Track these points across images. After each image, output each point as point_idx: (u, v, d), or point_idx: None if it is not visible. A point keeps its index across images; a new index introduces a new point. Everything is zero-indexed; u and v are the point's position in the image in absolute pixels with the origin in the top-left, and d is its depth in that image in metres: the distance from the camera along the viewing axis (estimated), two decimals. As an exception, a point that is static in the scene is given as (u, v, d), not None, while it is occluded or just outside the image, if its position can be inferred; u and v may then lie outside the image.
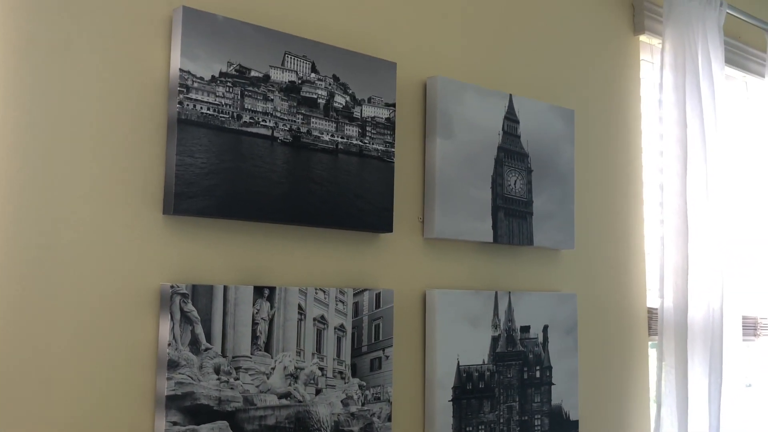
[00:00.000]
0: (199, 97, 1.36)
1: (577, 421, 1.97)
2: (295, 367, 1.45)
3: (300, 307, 1.47)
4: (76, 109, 1.27)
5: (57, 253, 1.24)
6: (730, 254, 2.36)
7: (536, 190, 1.92)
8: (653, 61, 2.41)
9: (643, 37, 2.34)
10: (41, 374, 1.21)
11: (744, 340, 2.53)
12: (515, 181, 1.88)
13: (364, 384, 1.55)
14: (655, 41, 2.37)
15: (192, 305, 1.33)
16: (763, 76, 2.71)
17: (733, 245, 2.40)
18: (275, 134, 1.46)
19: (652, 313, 2.28)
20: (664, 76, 2.24)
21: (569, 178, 2.00)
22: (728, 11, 2.45)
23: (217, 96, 1.39)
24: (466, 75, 1.86)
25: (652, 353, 2.28)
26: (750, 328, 2.66)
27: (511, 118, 1.88)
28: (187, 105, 1.35)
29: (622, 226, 2.22)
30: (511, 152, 1.87)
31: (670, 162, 2.22)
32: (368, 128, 1.60)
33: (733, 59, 2.61)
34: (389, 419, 1.58)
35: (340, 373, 1.51)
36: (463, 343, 1.73)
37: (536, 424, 1.87)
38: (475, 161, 1.79)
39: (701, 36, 2.30)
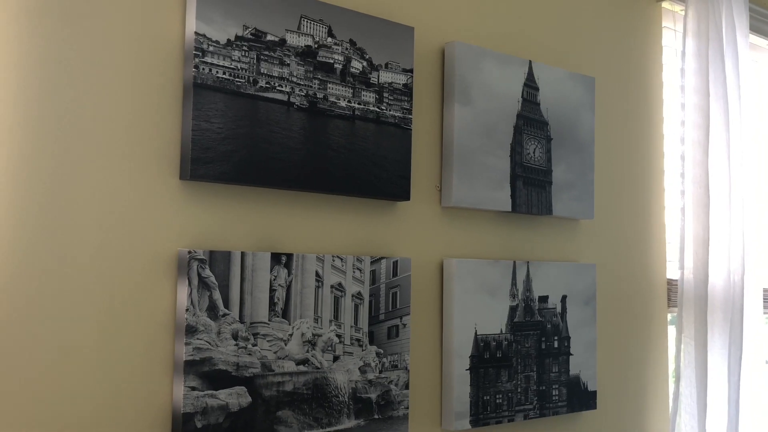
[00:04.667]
0: (215, 61, 1.35)
1: (595, 392, 1.96)
2: (312, 334, 1.44)
3: (317, 274, 1.46)
4: (90, 74, 1.26)
5: (73, 220, 1.23)
6: (751, 225, 2.32)
7: (555, 158, 1.89)
8: (676, 28, 2.36)
9: (665, 4, 2.29)
10: (59, 341, 1.21)
11: (765, 313, 2.50)
12: (534, 149, 1.85)
13: (382, 352, 1.54)
14: (678, 8, 2.32)
15: (210, 271, 1.33)
16: (788, 44, 2.64)
17: (755, 216, 2.36)
18: (291, 99, 1.44)
19: (671, 284, 2.26)
20: (687, 43, 2.19)
21: (589, 147, 1.97)
22: (754, -23, 2.39)
23: (233, 60, 1.37)
24: (485, 41, 1.83)
25: (671, 326, 2.26)
26: (771, 300, 2.62)
27: (530, 85, 1.85)
28: (203, 69, 1.33)
29: (642, 196, 2.19)
30: (530, 120, 1.84)
31: (692, 132, 2.18)
32: (385, 94, 1.58)
33: (758, 26, 2.55)
34: (407, 387, 1.58)
35: (358, 340, 1.51)
36: (481, 312, 1.72)
37: (554, 394, 1.86)
38: (494, 129, 1.77)
39: (725, 2, 2.25)
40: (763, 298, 2.44)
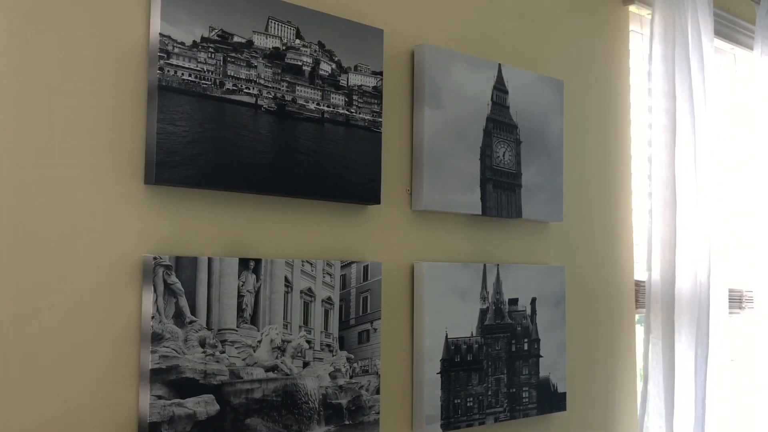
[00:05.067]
0: (181, 63, 1.32)
1: (564, 393, 1.97)
2: (282, 340, 1.42)
3: (287, 279, 1.44)
4: (52, 76, 1.22)
5: (36, 224, 1.20)
6: (717, 227, 2.36)
7: (525, 161, 1.90)
8: (642, 32, 2.39)
9: (632, 8, 2.31)
10: (22, 349, 1.17)
11: (730, 313, 2.54)
12: (504, 152, 1.85)
13: (352, 357, 1.53)
14: (645, 12, 2.35)
15: (176, 277, 1.30)
16: (751, 48, 2.69)
17: (721, 218, 2.39)
18: (259, 102, 1.42)
19: (639, 285, 2.28)
20: (653, 47, 2.21)
21: (558, 150, 1.98)
22: (718, -18, 2.42)
23: (198, 62, 1.34)
24: (455, 43, 1.83)
25: (639, 327, 2.28)
26: (736, 300, 2.67)
27: (500, 88, 1.85)
28: (168, 71, 1.31)
29: (610, 198, 2.20)
30: (500, 123, 1.84)
31: (659, 134, 2.21)
32: (355, 97, 1.56)
33: (723, 31, 2.59)
34: (377, 392, 1.57)
35: (328, 345, 1.49)
36: (452, 315, 1.72)
37: (524, 396, 1.87)
38: (464, 132, 1.76)
39: (691, 7, 2.28)
40: (729, 299, 2.48)
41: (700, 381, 2.22)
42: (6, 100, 1.18)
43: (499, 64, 1.85)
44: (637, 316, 2.28)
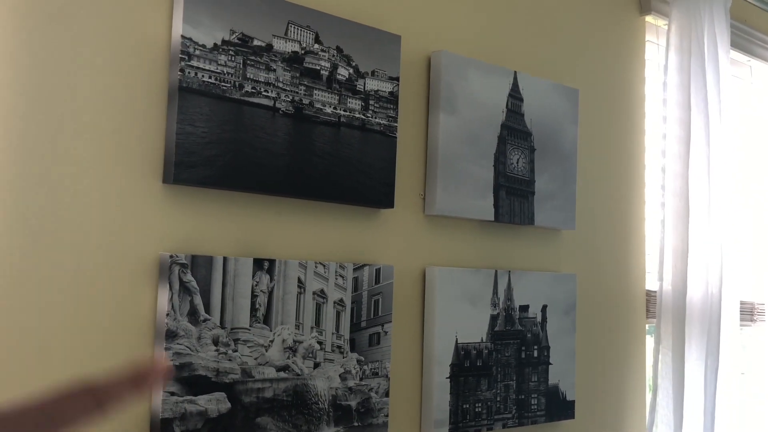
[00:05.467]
0: (201, 65, 1.34)
1: (573, 401, 1.97)
2: (293, 341, 1.44)
3: (300, 280, 1.46)
4: (75, 76, 1.25)
5: (55, 223, 1.22)
6: (730, 238, 2.35)
7: (538, 169, 1.91)
8: (659, 42, 2.39)
9: (649, 18, 2.32)
10: (38, 344, 1.20)
11: (741, 326, 2.53)
12: (518, 159, 1.86)
13: (363, 359, 1.54)
14: (661, 22, 2.35)
15: (191, 275, 1.32)
16: (768, 60, 2.69)
17: (734, 229, 2.39)
18: (277, 105, 1.44)
19: (650, 295, 2.28)
20: (669, 57, 2.22)
21: (572, 158, 1.99)
22: (735, -6, 2.42)
23: (219, 64, 1.37)
24: (472, 50, 1.84)
25: (649, 337, 2.28)
26: (747, 313, 2.66)
27: (515, 95, 1.86)
28: (189, 73, 1.33)
29: (623, 207, 2.21)
30: (514, 130, 1.85)
31: (673, 144, 2.21)
32: (371, 102, 1.58)
33: (739, 43, 2.59)
34: (387, 394, 1.58)
35: (339, 347, 1.51)
36: (462, 320, 1.73)
37: (533, 403, 1.87)
38: (478, 138, 1.78)
39: (707, 18, 2.28)
40: (740, 311, 2.48)
41: (710, 392, 2.22)
42: (29, 100, 1.21)
43: (515, 72, 1.86)
44: (647, 326, 2.28)
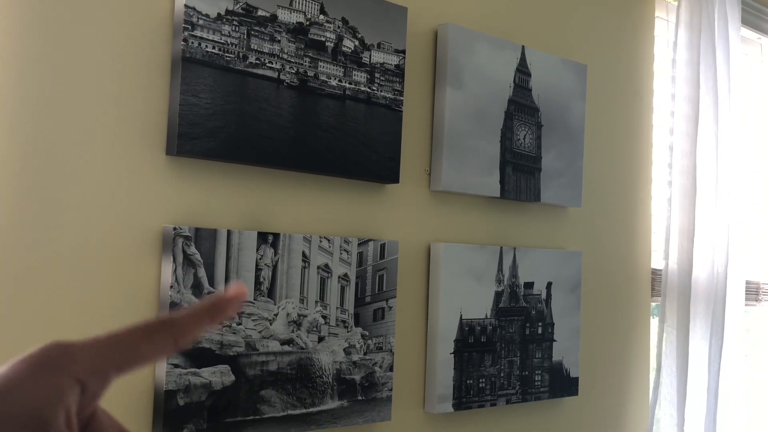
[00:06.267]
0: (205, 35, 1.33)
1: (577, 378, 1.97)
2: (298, 314, 1.43)
3: (304, 254, 1.45)
4: (76, 47, 1.23)
5: (58, 194, 1.21)
6: (737, 218, 2.34)
7: (545, 145, 1.89)
8: (668, 18, 2.36)
9: (659, -7, 2.29)
10: (43, 316, 1.19)
11: (746, 305, 2.52)
12: (525, 135, 1.84)
13: (367, 333, 1.54)
14: (671, -2, 2.32)
15: (195, 248, 1.32)
16: (778, 38, 2.65)
17: (741, 209, 2.37)
18: (281, 77, 1.42)
19: (655, 274, 2.27)
20: (679, 34, 2.19)
21: (579, 134, 1.97)
22: (747, -31, 2.38)
23: (222, 35, 1.35)
24: (479, 24, 1.82)
25: (654, 316, 2.27)
26: (753, 292, 2.65)
27: (523, 70, 1.84)
28: (192, 43, 1.31)
29: (630, 185, 2.19)
30: (521, 106, 1.83)
31: (681, 122, 2.19)
32: (377, 75, 1.56)
33: (750, 20, 2.55)
34: (391, 369, 1.58)
35: (343, 321, 1.50)
36: (466, 296, 1.72)
37: (536, 379, 1.87)
38: (485, 114, 1.76)
39: (719, -6, 2.25)
40: (746, 291, 2.47)
41: (714, 371, 2.22)
42: (30, 71, 1.19)
43: (523, 47, 1.84)
44: (652, 305, 2.27)
